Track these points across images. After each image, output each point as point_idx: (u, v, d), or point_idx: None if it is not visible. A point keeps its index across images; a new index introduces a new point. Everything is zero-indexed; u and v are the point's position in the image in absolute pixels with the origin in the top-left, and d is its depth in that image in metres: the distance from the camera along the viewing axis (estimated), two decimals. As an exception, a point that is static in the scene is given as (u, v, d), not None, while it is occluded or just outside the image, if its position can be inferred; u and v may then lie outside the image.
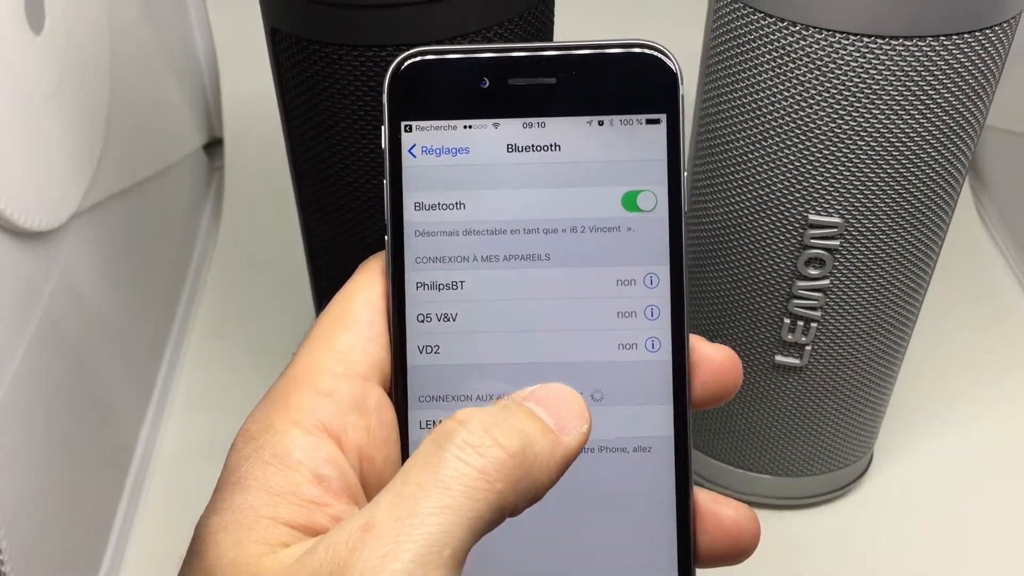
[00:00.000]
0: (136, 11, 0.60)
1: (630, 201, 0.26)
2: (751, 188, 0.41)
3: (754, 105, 0.39)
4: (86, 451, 0.47)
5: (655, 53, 0.26)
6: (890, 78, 0.37)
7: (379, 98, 0.37)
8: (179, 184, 0.69)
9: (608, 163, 0.26)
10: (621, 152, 0.26)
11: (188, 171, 0.72)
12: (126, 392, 0.54)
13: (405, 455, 0.25)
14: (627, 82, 0.26)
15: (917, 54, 0.36)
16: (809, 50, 0.37)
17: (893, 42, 0.36)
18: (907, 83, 0.37)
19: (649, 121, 0.26)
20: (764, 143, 0.40)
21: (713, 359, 0.26)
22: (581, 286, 0.26)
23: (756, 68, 0.39)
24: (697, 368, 0.26)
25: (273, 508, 0.22)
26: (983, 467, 0.55)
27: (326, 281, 0.45)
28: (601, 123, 0.26)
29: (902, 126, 0.38)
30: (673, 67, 0.26)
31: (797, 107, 0.38)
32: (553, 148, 0.26)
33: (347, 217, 0.41)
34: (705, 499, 0.26)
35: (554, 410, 0.23)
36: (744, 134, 0.40)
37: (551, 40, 0.42)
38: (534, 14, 0.38)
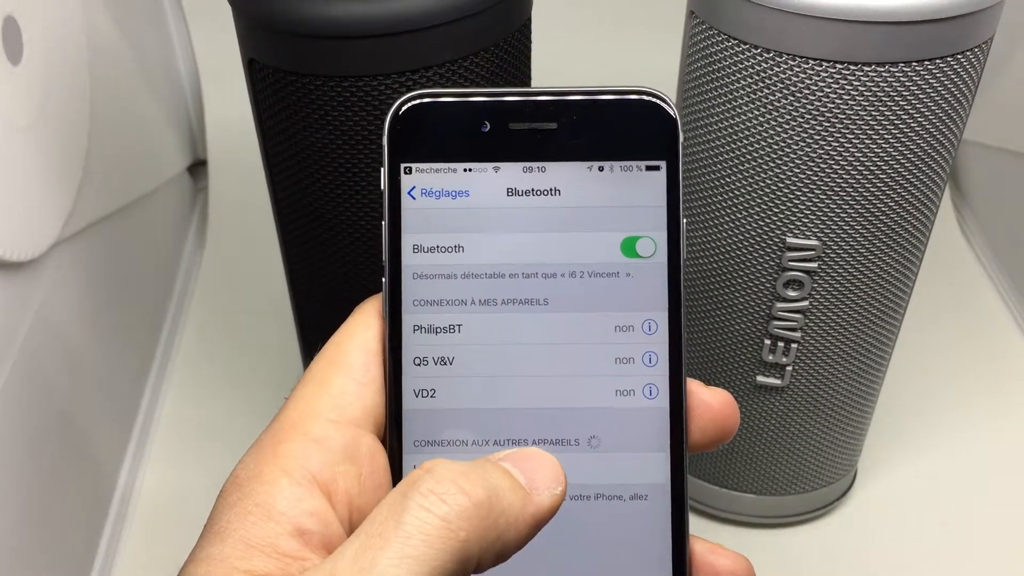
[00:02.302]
0: (116, 36, 0.60)
1: (629, 247, 0.26)
2: (729, 212, 0.42)
3: (730, 130, 0.40)
4: (65, 487, 0.47)
5: (656, 100, 0.26)
6: (863, 103, 0.37)
7: (356, 127, 0.37)
8: (163, 207, 0.69)
9: (608, 209, 0.26)
10: (621, 198, 0.26)
11: (172, 193, 0.72)
12: (106, 426, 0.53)
13: None
14: (627, 128, 0.26)
15: (889, 79, 0.36)
16: (783, 76, 0.37)
17: (866, 68, 0.36)
18: (880, 108, 0.37)
19: (649, 168, 0.26)
20: (741, 167, 0.40)
21: (711, 405, 0.26)
22: (579, 331, 0.26)
23: (731, 93, 0.39)
24: (695, 414, 0.26)
25: (248, 560, 0.22)
26: (966, 482, 0.55)
27: (307, 308, 0.45)
28: (601, 169, 0.26)
29: (876, 150, 0.38)
30: (673, 114, 0.26)
31: (772, 132, 0.39)
32: (553, 193, 0.26)
33: (327, 244, 0.41)
34: (701, 549, 0.26)
35: (528, 471, 0.22)
36: (721, 158, 0.41)
37: (529, 70, 0.42)
38: (510, 43, 0.39)
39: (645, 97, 0.26)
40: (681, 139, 0.26)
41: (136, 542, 0.52)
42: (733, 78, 0.38)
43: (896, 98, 0.37)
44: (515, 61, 0.40)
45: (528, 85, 0.42)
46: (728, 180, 0.41)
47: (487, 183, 0.26)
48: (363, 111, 0.36)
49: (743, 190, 0.41)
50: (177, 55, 0.76)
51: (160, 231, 0.68)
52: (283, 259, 0.44)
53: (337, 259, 0.41)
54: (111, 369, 0.54)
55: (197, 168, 0.79)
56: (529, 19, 0.40)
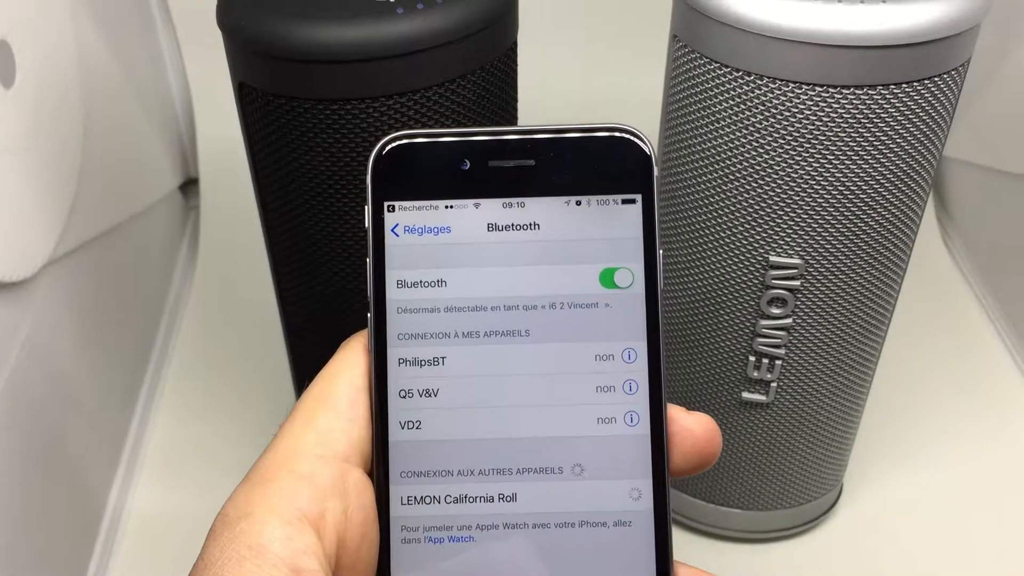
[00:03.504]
0: (108, 57, 0.61)
1: (607, 278, 0.26)
2: (713, 231, 0.42)
3: (713, 151, 0.40)
4: (54, 510, 0.46)
5: (630, 136, 0.26)
6: (843, 125, 0.38)
7: (344, 150, 0.37)
8: (154, 225, 0.69)
9: (586, 242, 0.26)
10: (598, 231, 0.26)
11: (163, 212, 0.72)
12: (96, 448, 0.53)
13: (385, 533, 0.25)
14: (603, 164, 0.26)
15: (868, 102, 0.37)
16: (764, 99, 0.38)
17: (845, 91, 0.37)
18: (859, 129, 0.38)
19: (625, 201, 0.27)
20: (724, 188, 0.41)
21: (692, 431, 0.26)
22: (560, 361, 0.26)
23: (714, 115, 0.40)
24: (677, 439, 0.26)
25: None
26: (951, 497, 0.56)
27: (296, 328, 0.46)
28: (579, 203, 0.26)
29: (856, 170, 0.39)
30: (647, 150, 0.26)
31: (755, 153, 0.39)
32: (532, 227, 0.27)
33: (316, 265, 0.41)
34: (686, 575, 0.26)
35: None
36: (705, 179, 0.41)
37: (515, 92, 0.42)
38: (497, 66, 0.39)
39: (620, 134, 0.26)
40: (656, 173, 0.27)
41: (125, 565, 0.52)
42: (715, 100, 0.39)
43: (875, 120, 0.38)
44: (502, 84, 0.40)
45: (515, 107, 0.43)
46: (712, 200, 0.42)
47: (468, 219, 0.26)
48: (351, 134, 0.37)
49: (727, 210, 0.41)
50: (169, 74, 0.76)
51: (152, 249, 0.69)
52: (273, 279, 0.45)
53: (325, 280, 0.41)
54: (101, 390, 0.54)
55: (189, 187, 0.80)
56: (515, 43, 0.41)
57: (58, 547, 0.47)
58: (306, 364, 0.48)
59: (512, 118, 0.43)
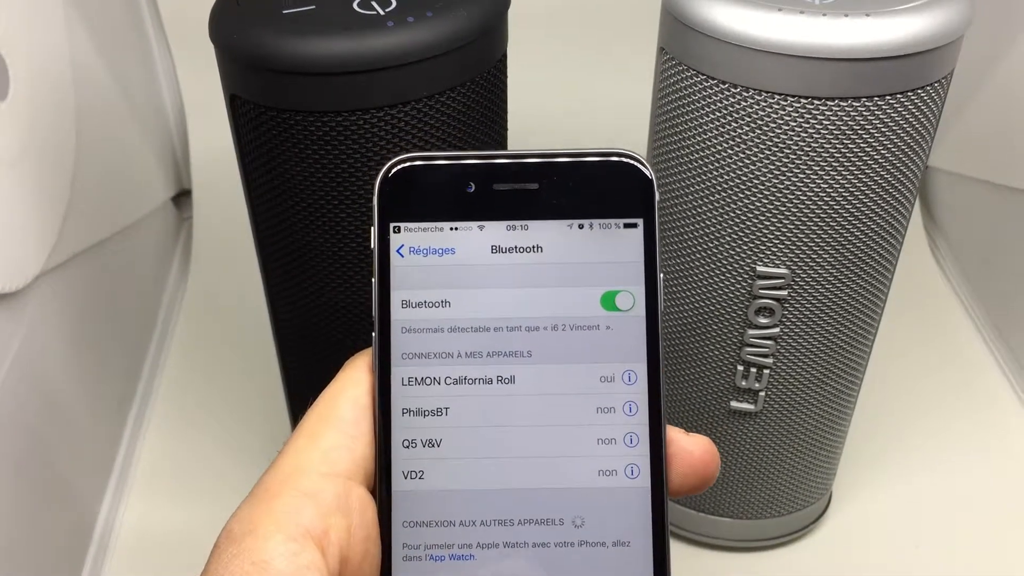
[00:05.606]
0: (101, 69, 0.61)
1: (609, 301, 0.27)
2: (701, 241, 0.43)
3: (701, 162, 0.41)
4: (44, 526, 0.46)
5: (632, 161, 0.27)
6: (828, 136, 0.38)
7: (335, 161, 0.38)
8: (147, 236, 0.70)
9: (588, 264, 0.27)
10: (600, 254, 0.27)
11: (156, 223, 0.72)
12: (86, 463, 0.53)
13: (387, 550, 0.26)
14: (606, 188, 0.27)
15: (852, 113, 0.38)
16: (750, 110, 0.38)
17: (829, 103, 0.37)
18: (844, 140, 0.38)
19: (627, 225, 0.27)
20: (711, 198, 0.41)
21: (691, 452, 0.27)
22: (561, 382, 0.27)
23: (701, 127, 0.40)
24: (675, 461, 0.27)
25: None
26: (939, 505, 0.56)
27: (288, 341, 0.46)
28: (581, 226, 0.27)
29: (841, 181, 0.39)
30: (648, 174, 0.27)
31: (741, 164, 0.40)
32: (535, 250, 0.27)
33: (306, 277, 0.42)
34: None
35: None
36: (692, 190, 0.42)
37: (505, 104, 0.43)
38: (486, 78, 0.40)
39: (623, 159, 0.27)
40: (657, 198, 0.27)
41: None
42: (702, 112, 0.40)
43: (859, 131, 0.38)
44: (491, 95, 0.41)
45: (504, 119, 0.44)
46: (699, 210, 0.42)
47: (472, 241, 0.27)
48: (342, 145, 0.37)
49: (713, 220, 0.42)
50: (162, 85, 0.77)
51: (144, 260, 0.69)
52: (265, 291, 0.45)
53: (317, 291, 0.42)
54: (92, 403, 0.54)
55: (181, 198, 0.80)
56: (505, 54, 0.42)
57: (48, 561, 0.47)
58: (298, 376, 0.48)
59: (502, 130, 0.43)
